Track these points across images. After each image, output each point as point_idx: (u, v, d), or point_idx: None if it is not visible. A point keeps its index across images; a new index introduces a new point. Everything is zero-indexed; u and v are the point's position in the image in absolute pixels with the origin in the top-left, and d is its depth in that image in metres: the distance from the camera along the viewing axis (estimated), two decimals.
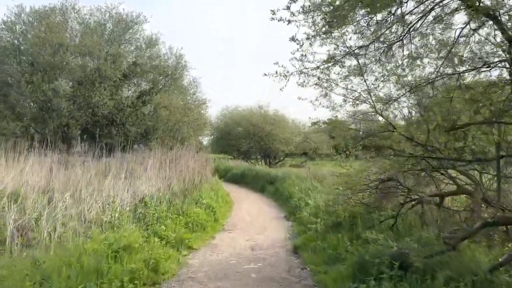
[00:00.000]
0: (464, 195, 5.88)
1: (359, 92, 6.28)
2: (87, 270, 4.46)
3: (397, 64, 6.10)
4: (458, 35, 4.90)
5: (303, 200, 10.66)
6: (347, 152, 7.27)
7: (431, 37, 5.45)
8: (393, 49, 5.97)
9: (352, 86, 6.29)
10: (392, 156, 6.01)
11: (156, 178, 9.90)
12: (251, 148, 36.35)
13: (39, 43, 18.74)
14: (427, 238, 5.09)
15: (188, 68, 23.46)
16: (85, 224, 6.68)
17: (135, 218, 7.23)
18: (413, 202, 6.30)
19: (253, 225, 9.62)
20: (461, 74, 4.66)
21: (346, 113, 7.09)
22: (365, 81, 6.17)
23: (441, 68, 5.19)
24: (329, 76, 6.05)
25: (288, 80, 5.33)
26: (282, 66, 5.12)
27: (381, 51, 6.00)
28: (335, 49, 5.81)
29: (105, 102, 19.01)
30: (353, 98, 6.30)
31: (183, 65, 22.85)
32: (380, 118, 7.15)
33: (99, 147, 13.75)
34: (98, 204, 7.26)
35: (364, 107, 6.88)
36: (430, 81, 5.41)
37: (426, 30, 5.48)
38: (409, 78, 5.90)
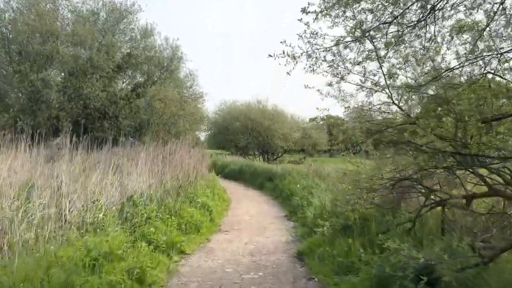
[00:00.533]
0: (495, 196, 5.16)
1: (374, 79, 5.55)
2: (55, 286, 3.72)
3: (419, 49, 5.37)
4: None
5: (306, 198, 9.94)
6: (357, 148, 6.55)
7: (459, 15, 4.72)
8: (414, 31, 5.24)
9: (366, 74, 5.57)
10: (412, 152, 5.29)
11: (148, 174, 9.17)
12: (249, 143, 35.61)
13: (28, 31, 17.87)
14: (456, 247, 4.37)
15: (185, 60, 22.66)
16: (64, 226, 5.94)
17: (122, 219, 6.49)
18: (434, 204, 5.59)
19: (252, 226, 8.90)
20: (504, 54, 3.92)
21: (358, 104, 6.32)
22: (381, 66, 5.43)
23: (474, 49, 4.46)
24: (341, 60, 5.32)
25: (296, 63, 4.58)
26: (290, 45, 4.37)
27: (401, 33, 5.26)
28: (348, 31, 5.09)
29: (97, 94, 18.19)
30: (368, 87, 5.60)
31: (179, 56, 22.03)
32: (395, 109, 6.46)
33: (90, 141, 12.97)
34: (81, 203, 6.51)
35: (378, 97, 6.16)
36: (459, 66, 4.68)
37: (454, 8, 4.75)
38: (431, 64, 5.20)
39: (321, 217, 7.37)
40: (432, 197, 5.68)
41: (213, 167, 26.03)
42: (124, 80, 23.44)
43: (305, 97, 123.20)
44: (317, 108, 5.96)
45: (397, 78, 5.62)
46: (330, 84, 5.67)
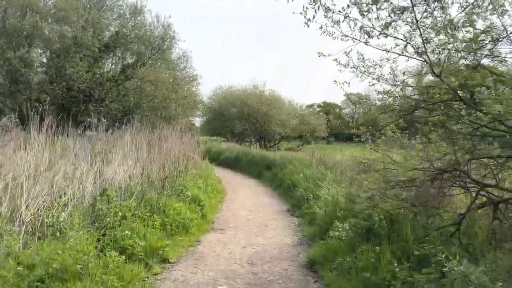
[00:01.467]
0: None
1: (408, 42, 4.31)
2: None
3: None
4: None
5: (311, 191, 8.73)
6: (381, 133, 5.33)
7: None
8: None
9: (397, 37, 4.33)
10: (464, 136, 4.04)
11: (131, 162, 7.90)
12: (246, 130, 34.33)
13: (5, 5, 16.31)
14: None
15: (177, 40, 21.18)
16: (18, 229, 4.69)
17: (91, 218, 5.24)
18: (486, 203, 4.38)
19: (250, 223, 7.69)
20: None
21: (384, 77, 5.03)
22: (418, 27, 4.17)
23: None
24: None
25: (318, 8, 3.29)
26: None
27: None
28: None
29: (81, 75, 16.76)
30: (397, 53, 4.37)
31: (171, 35, 20.56)
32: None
33: (72, 125, 11.70)
34: (42, 198, 5.24)
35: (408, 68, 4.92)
36: None
37: None
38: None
39: (333, 215, 6.16)
40: (483, 193, 4.48)
41: (207, 154, 24.79)
42: (113, 60, 21.96)
43: (307, 84, 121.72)
44: (334, 81, 4.71)
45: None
46: (347, 54, 4.46)
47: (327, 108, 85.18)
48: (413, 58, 4.37)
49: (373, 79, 4.74)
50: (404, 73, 4.66)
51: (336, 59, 4.54)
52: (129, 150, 8.66)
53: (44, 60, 19.40)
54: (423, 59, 4.25)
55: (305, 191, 9.05)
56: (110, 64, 22.09)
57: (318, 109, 67.75)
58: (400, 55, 4.43)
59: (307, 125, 40.35)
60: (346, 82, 4.77)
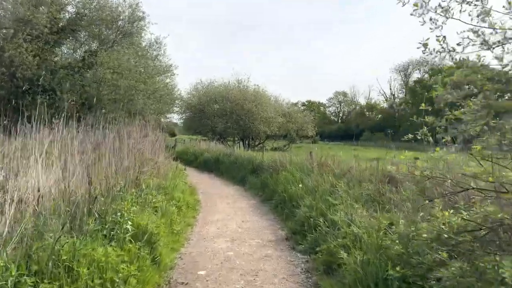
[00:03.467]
0: None
1: None
2: None
3: None
4: None
5: (320, 211, 6.05)
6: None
7: None
8: None
9: None
10: None
11: (55, 173, 5.07)
12: (228, 128, 31.48)
13: None
14: None
15: (147, 23, 18.17)
16: None
17: None
18: None
19: (231, 267, 4.93)
20: None
21: None
22: None
23: None
24: None
25: None
26: None
27: None
28: None
29: (25, 57, 13.65)
30: None
31: (139, 16, 17.57)
32: None
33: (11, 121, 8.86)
34: None
35: None
36: None
37: None
38: None
39: (380, 269, 3.45)
40: None
41: (184, 155, 21.89)
42: (71, 46, 18.81)
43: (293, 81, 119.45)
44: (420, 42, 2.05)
45: None
46: None
47: (311, 107, 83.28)
48: None
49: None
50: None
51: None
52: (65, 153, 5.83)
53: None
54: None
55: (310, 211, 6.35)
56: (70, 50, 18.96)
57: (302, 108, 65.44)
58: None
59: (294, 124, 37.79)
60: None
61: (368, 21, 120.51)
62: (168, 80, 20.38)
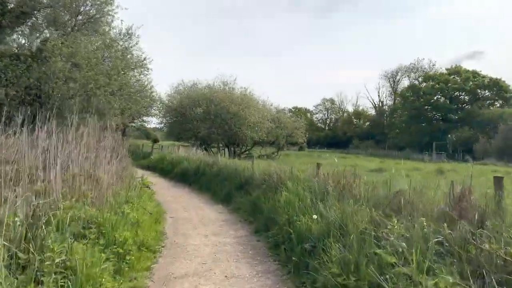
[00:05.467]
0: None
1: None
2: None
3: None
4: None
5: (365, 276, 3.31)
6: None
7: None
8: None
9: None
10: None
11: None
12: (212, 133, 28.58)
13: None
14: None
15: (116, 8, 15.27)
16: None
17: None
18: None
19: None
20: None
21: None
22: None
23: None
24: None
25: None
26: None
27: None
28: None
29: None
30: None
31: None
32: None
33: None
34: None
35: None
36: None
37: None
38: None
39: None
40: None
41: (160, 164, 18.92)
42: (27, 33, 15.77)
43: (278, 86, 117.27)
44: None
45: None
46: None
47: (298, 113, 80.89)
48: None
49: None
50: None
51: None
52: None
53: None
54: None
55: (345, 272, 3.60)
56: (24, 39, 15.90)
57: (289, 114, 62.90)
58: None
59: (284, 129, 35.11)
60: None
61: (355, 28, 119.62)
62: (141, 76, 17.46)
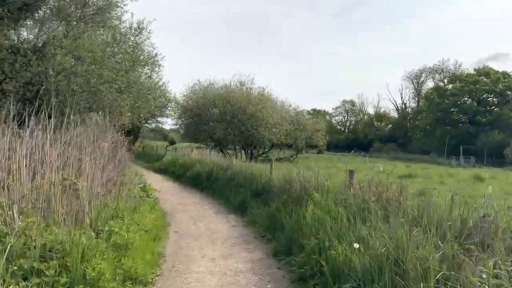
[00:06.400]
0: None
1: None
2: None
3: None
4: None
5: None
6: None
7: None
8: None
9: None
10: None
11: None
12: (228, 135, 27.38)
13: None
14: None
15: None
16: None
17: None
18: None
19: None
20: None
21: None
22: None
23: None
24: None
25: None
26: None
27: None
28: None
29: None
30: None
31: None
32: None
33: None
34: None
35: None
36: None
37: None
38: None
39: None
40: None
41: (171, 167, 17.82)
42: (33, 26, 14.96)
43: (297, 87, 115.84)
44: None
45: None
46: None
47: (316, 115, 79.01)
48: None
49: None
50: None
51: None
52: None
53: None
54: None
55: None
56: (30, 34, 15.04)
57: (308, 116, 61.21)
58: None
59: (303, 131, 33.62)
60: None
61: (377, 28, 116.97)
62: (152, 74, 16.39)
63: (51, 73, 10.19)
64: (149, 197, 8.30)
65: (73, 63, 10.76)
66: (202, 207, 10.05)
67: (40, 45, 12.82)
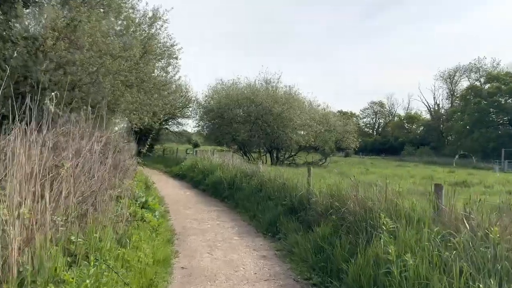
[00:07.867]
0: None
1: None
2: None
3: None
4: None
5: None
6: None
7: None
8: None
9: None
10: None
11: None
12: (253, 137, 25.37)
13: None
14: None
15: None
16: None
17: None
18: None
19: None
20: None
21: None
22: None
23: None
24: None
25: None
26: None
27: None
28: None
29: None
30: None
31: None
32: None
33: None
34: None
35: None
36: None
37: None
38: None
39: None
40: None
41: (190, 172, 15.95)
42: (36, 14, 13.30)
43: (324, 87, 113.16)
44: None
45: None
46: None
47: (344, 117, 75.92)
48: None
49: None
50: None
51: None
52: None
53: None
54: None
55: None
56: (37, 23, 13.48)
57: (334, 118, 58.38)
58: None
59: (333, 133, 31.17)
60: None
61: (405, 27, 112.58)
62: (169, 68, 14.57)
63: (41, 63, 8.43)
64: (154, 216, 6.34)
65: (69, 49, 8.96)
66: (222, 224, 8.03)
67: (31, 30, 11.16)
